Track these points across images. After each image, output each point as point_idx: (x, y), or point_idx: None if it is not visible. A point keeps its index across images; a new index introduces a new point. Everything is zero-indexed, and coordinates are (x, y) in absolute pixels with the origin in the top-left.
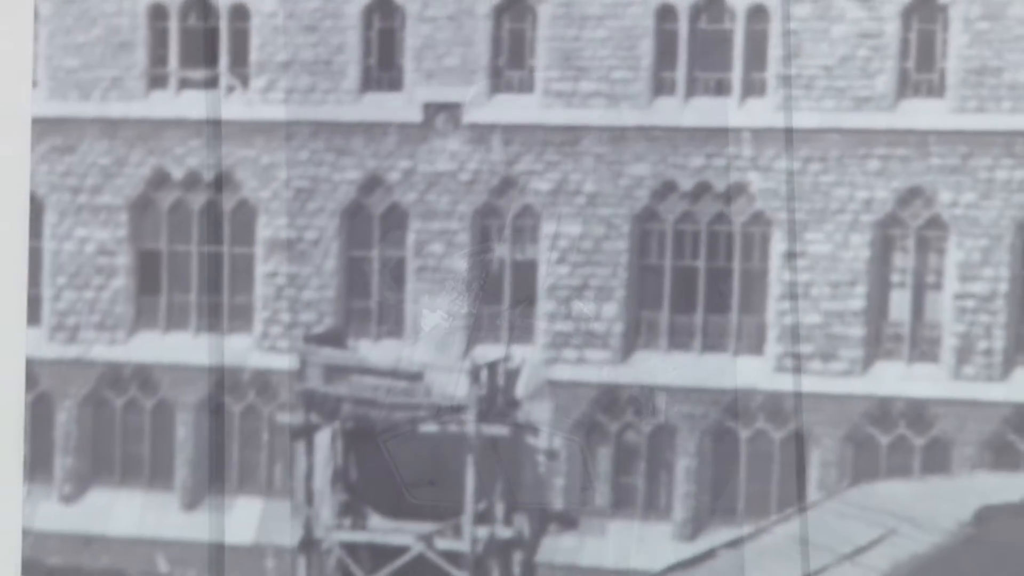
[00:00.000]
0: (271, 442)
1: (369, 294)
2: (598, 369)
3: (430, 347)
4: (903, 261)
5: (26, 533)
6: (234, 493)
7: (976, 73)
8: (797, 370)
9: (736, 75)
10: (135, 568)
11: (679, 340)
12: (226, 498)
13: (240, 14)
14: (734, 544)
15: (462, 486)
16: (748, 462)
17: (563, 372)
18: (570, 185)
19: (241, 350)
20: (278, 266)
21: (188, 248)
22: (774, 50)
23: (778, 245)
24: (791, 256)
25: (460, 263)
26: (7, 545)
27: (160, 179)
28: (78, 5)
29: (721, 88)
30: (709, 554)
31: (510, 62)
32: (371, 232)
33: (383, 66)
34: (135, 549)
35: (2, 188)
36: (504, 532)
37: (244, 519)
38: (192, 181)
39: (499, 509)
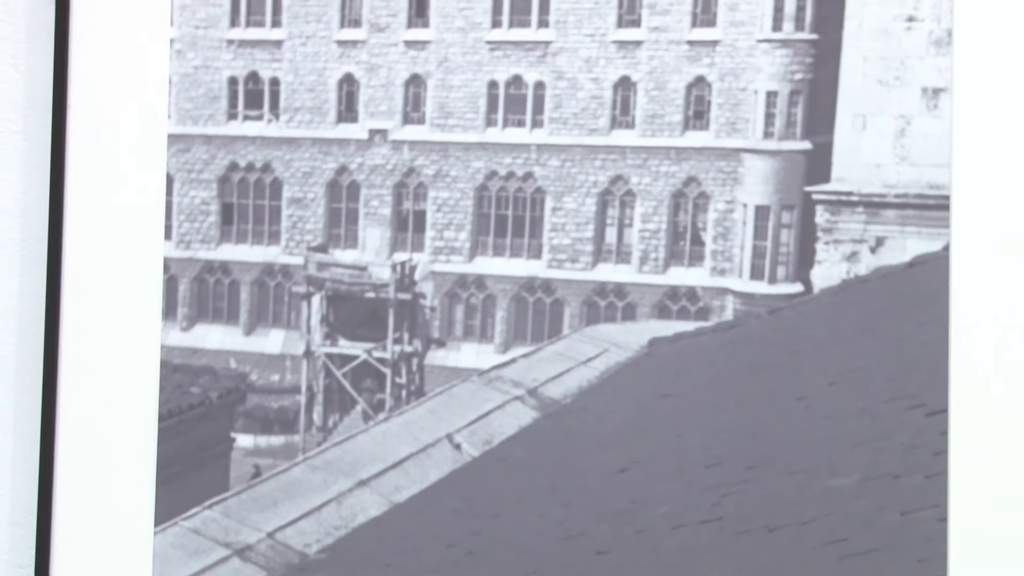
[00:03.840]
0: (289, 301)
1: (340, 226)
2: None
3: (371, 253)
4: (613, 212)
5: (162, 347)
6: (269, 327)
7: (651, 117)
8: (558, 267)
9: (528, 117)
10: (219, 365)
11: (498, 251)
12: (265, 329)
13: (275, 82)
14: (527, 355)
15: (386, 325)
16: (532, 315)
17: (439, 267)
18: (443, 172)
19: (274, 254)
20: (294, 212)
21: (248, 202)
22: (548, 104)
23: (549, 204)
24: (555, 209)
25: (386, 211)
26: (151, 354)
27: (232, 167)
28: (191, 78)
29: (521, 123)
30: (512, 361)
31: (413, 108)
32: (342, 195)
33: (348, 110)
34: (218, 355)
35: (149, 171)
36: (408, 348)
37: (275, 340)
38: (249, 167)
39: (405, 337)
